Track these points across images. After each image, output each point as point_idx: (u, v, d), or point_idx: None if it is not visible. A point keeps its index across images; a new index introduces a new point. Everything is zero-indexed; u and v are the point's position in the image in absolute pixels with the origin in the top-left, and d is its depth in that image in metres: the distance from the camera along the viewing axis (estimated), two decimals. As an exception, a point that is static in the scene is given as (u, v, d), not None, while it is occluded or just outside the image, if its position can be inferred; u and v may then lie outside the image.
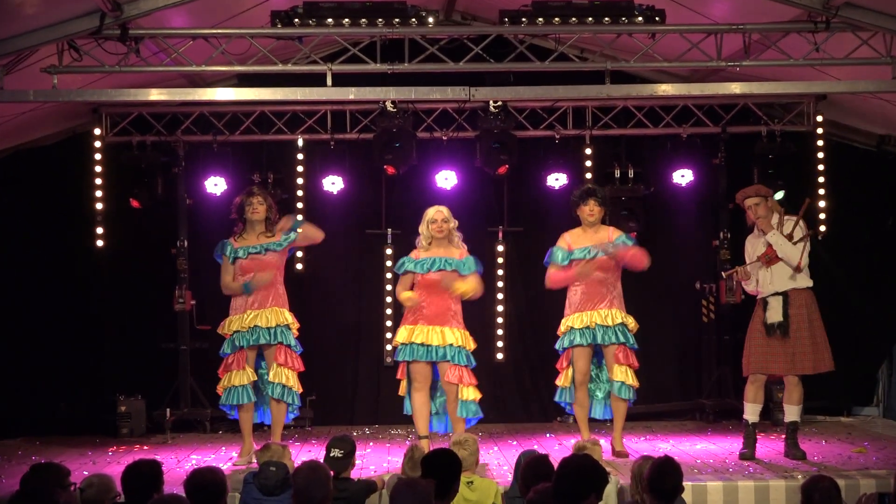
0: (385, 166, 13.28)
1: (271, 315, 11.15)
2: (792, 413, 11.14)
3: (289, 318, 11.24)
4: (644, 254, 11.29)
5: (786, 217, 11.11)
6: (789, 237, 10.96)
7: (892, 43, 11.01)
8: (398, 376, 11.28)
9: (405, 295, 11.07)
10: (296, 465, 7.93)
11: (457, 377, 10.95)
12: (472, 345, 11.13)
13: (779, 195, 13.31)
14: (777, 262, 10.95)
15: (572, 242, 11.28)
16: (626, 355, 11.18)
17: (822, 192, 13.96)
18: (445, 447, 7.92)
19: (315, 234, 11.60)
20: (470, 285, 11.03)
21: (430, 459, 7.21)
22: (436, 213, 11.13)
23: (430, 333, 10.97)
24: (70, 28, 10.64)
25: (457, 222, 11.20)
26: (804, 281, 11.04)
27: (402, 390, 11.23)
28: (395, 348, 11.29)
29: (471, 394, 11.02)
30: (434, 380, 11.15)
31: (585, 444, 9.22)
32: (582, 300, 11.23)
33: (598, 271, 11.17)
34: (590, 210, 11.25)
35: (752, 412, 11.16)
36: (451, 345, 10.93)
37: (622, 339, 11.14)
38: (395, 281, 11.45)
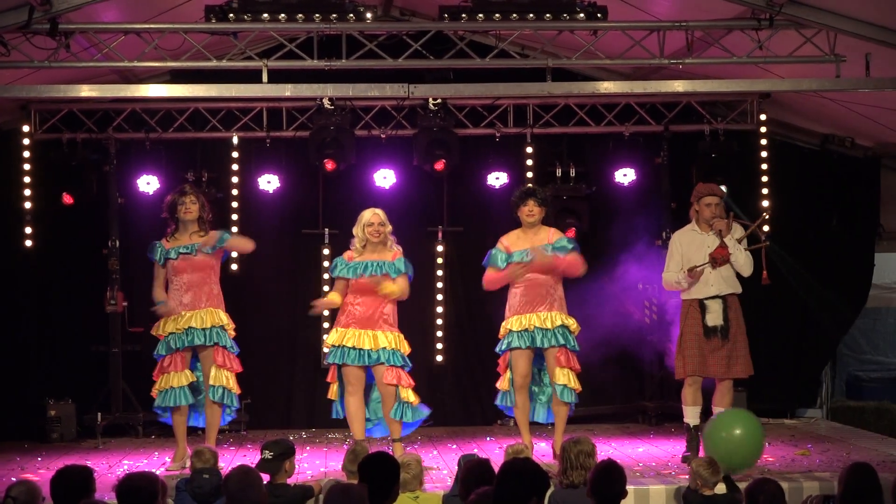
0: (325, 160, 13.13)
1: (206, 316, 10.97)
2: None
3: (224, 318, 11.07)
4: (579, 262, 11.07)
5: (734, 222, 11.00)
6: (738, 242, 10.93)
7: (836, 41, 10.97)
8: (328, 379, 11.15)
9: (326, 299, 11.14)
10: (227, 471, 7.74)
11: (395, 378, 10.80)
12: (406, 348, 11.00)
13: None
14: (725, 265, 10.82)
15: (510, 245, 11.12)
16: (567, 358, 11.02)
17: (765, 191, 13.96)
18: (383, 450, 7.77)
19: (243, 246, 11.52)
20: (396, 287, 10.86)
21: (368, 463, 7.07)
22: (372, 216, 10.97)
23: (361, 337, 10.84)
24: (-4, 22, 10.46)
25: (391, 227, 11.02)
26: (739, 286, 11.00)
27: (332, 393, 11.08)
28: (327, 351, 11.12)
29: (410, 396, 10.89)
30: (368, 383, 10.99)
31: (522, 447, 9.11)
32: (521, 303, 11.06)
33: (539, 273, 10.99)
34: (529, 211, 11.08)
35: (692, 415, 11.07)
36: (384, 348, 10.81)
37: (563, 342, 10.97)
38: (332, 282, 11.29)
